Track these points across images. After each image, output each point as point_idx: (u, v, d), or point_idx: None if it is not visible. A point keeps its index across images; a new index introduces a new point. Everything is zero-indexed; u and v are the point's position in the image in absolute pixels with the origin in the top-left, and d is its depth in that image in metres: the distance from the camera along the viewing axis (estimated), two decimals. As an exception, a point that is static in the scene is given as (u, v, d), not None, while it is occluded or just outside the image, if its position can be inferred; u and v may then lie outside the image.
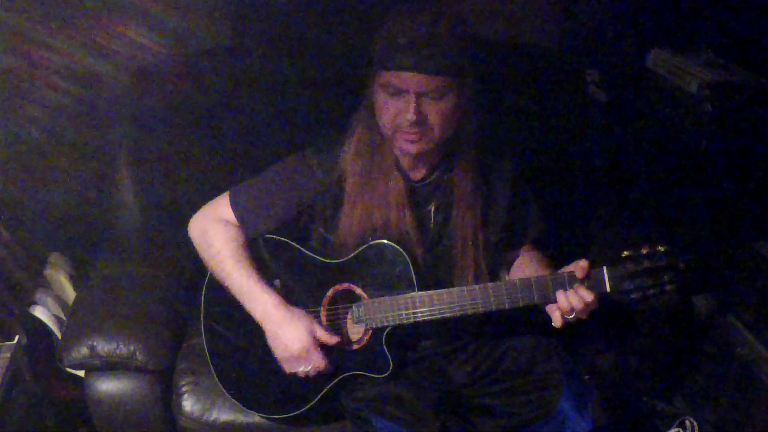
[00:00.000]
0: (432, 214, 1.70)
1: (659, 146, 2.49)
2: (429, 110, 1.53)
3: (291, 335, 1.63)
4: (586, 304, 1.54)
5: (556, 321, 1.57)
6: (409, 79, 1.50)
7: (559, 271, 1.59)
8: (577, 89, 2.39)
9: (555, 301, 1.57)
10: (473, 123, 1.63)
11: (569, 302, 1.54)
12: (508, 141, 1.81)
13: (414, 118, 1.51)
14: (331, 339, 1.65)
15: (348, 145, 1.66)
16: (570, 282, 1.56)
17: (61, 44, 2.19)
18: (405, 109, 1.52)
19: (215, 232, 1.70)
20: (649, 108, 2.55)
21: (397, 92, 1.52)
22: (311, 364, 1.65)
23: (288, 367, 1.67)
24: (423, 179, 1.69)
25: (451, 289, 1.60)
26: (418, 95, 1.51)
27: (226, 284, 1.69)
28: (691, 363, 2.23)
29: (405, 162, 1.67)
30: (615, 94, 2.59)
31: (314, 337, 1.63)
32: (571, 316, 1.56)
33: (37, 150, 2.28)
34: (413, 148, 1.58)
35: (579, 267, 1.55)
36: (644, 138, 2.54)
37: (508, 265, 1.84)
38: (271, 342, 1.66)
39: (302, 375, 1.66)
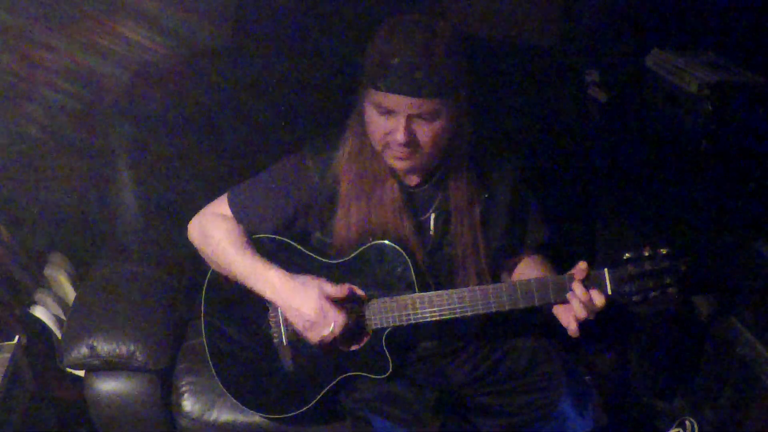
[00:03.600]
0: (431, 221, 1.69)
1: (659, 146, 2.48)
2: (419, 131, 1.52)
3: (303, 302, 1.60)
4: (597, 307, 1.54)
5: (573, 331, 1.55)
6: (401, 101, 1.48)
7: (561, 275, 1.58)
8: (577, 89, 2.39)
9: (556, 303, 1.57)
10: (469, 128, 1.62)
11: (583, 305, 1.53)
12: (507, 142, 1.81)
13: (404, 139, 1.50)
14: (342, 290, 1.61)
15: (342, 150, 1.66)
16: (570, 284, 1.55)
17: (61, 44, 2.19)
18: (395, 129, 1.51)
19: (214, 225, 1.70)
20: (649, 108, 2.55)
21: (387, 112, 1.51)
22: (332, 323, 1.60)
23: (314, 337, 1.62)
24: (420, 185, 1.68)
25: (451, 291, 1.60)
26: (409, 117, 1.50)
27: (230, 273, 1.69)
28: (691, 363, 2.23)
29: (398, 170, 1.67)
30: (615, 94, 2.59)
31: (326, 296, 1.61)
32: (584, 317, 1.55)
33: (37, 150, 2.28)
34: (402, 165, 1.58)
35: (579, 269, 1.55)
36: (644, 138, 2.54)
37: (510, 270, 1.83)
38: (289, 316, 1.63)
39: (329, 340, 1.61)
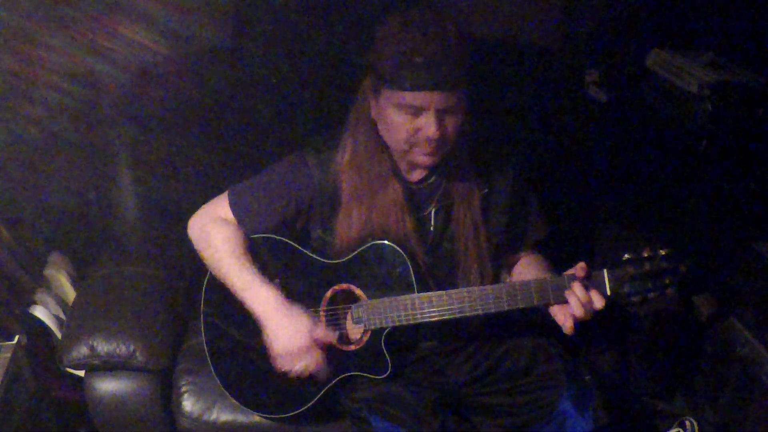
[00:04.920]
0: (432, 216, 1.70)
1: (659, 146, 2.48)
2: (447, 124, 1.53)
3: (290, 332, 1.61)
4: (595, 308, 1.54)
5: (568, 329, 1.56)
6: (430, 98, 1.49)
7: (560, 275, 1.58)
8: (577, 89, 2.39)
9: (554, 303, 1.57)
10: (469, 124, 1.63)
11: (582, 305, 1.53)
12: (508, 141, 1.81)
13: (437, 135, 1.52)
14: (330, 337, 1.64)
15: (342, 149, 1.66)
16: (570, 284, 1.55)
17: (61, 44, 2.19)
18: (425, 126, 1.52)
19: (214, 231, 1.70)
20: (649, 108, 2.55)
21: (416, 111, 1.51)
22: (307, 363, 1.63)
23: (283, 365, 1.64)
24: (421, 182, 1.69)
25: (450, 291, 1.60)
26: (438, 111, 1.51)
27: (225, 282, 1.69)
28: (691, 363, 2.23)
29: (402, 166, 1.67)
30: (615, 94, 2.58)
31: (313, 336, 1.63)
32: (581, 316, 1.55)
33: (37, 150, 2.28)
34: (430, 161, 1.59)
35: (579, 269, 1.55)
36: (644, 138, 2.54)
37: (509, 268, 1.83)
38: (270, 338, 1.65)
39: (296, 374, 1.65)
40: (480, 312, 1.59)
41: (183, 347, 1.97)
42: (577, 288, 1.54)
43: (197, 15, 2.26)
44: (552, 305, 1.58)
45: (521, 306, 1.58)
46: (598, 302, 1.53)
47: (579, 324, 1.57)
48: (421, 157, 1.59)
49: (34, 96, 2.23)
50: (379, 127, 1.61)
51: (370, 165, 1.65)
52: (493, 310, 1.59)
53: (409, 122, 1.53)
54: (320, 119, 2.04)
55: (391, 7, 1.57)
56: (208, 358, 1.80)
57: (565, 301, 1.56)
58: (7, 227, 2.18)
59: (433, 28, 1.48)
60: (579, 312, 1.53)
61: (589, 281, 1.55)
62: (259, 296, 1.64)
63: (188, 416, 1.86)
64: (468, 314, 1.60)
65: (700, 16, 2.51)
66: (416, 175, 1.69)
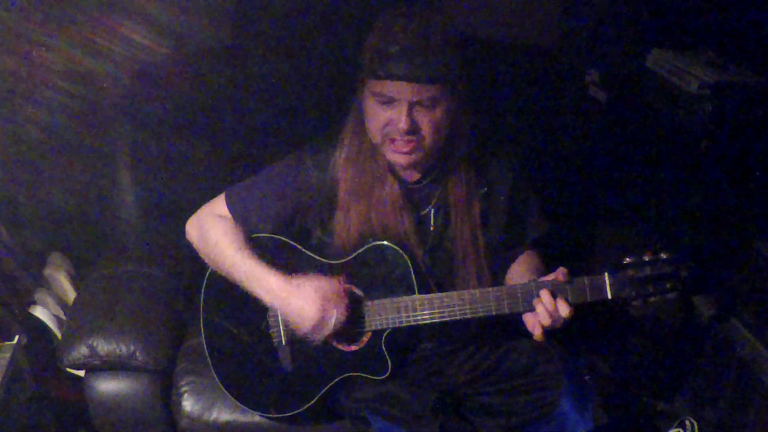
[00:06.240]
0: (431, 216, 1.69)
1: (659, 146, 2.48)
2: (421, 119, 1.52)
3: (303, 302, 1.58)
4: (562, 317, 1.53)
5: (538, 336, 1.56)
6: (402, 88, 1.48)
7: (551, 279, 1.58)
8: (577, 89, 2.39)
9: (525, 311, 1.57)
10: (468, 124, 1.62)
11: (549, 314, 1.53)
12: (508, 141, 1.81)
13: (406, 127, 1.50)
14: (339, 283, 1.61)
15: (340, 149, 1.66)
16: (538, 293, 1.54)
17: (61, 44, 2.19)
18: (396, 118, 1.51)
19: (212, 226, 1.70)
20: (649, 108, 2.55)
21: (389, 101, 1.51)
22: (334, 318, 1.58)
23: (318, 335, 1.60)
24: (419, 181, 1.68)
25: (451, 293, 1.60)
26: (411, 104, 1.50)
27: (228, 275, 1.68)
28: (691, 363, 2.23)
29: (399, 166, 1.67)
30: (615, 94, 2.58)
31: (323, 291, 1.59)
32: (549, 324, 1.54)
33: (37, 150, 2.29)
34: (402, 159, 1.57)
35: (559, 272, 1.55)
36: (644, 138, 2.54)
37: (506, 266, 1.83)
38: (290, 320, 1.62)
39: (334, 333, 1.61)
40: (481, 314, 1.58)
41: (183, 347, 1.97)
42: (545, 296, 1.53)
43: (197, 15, 2.27)
44: (523, 312, 1.58)
45: (522, 309, 1.57)
46: (564, 311, 1.53)
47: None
48: (395, 155, 1.57)
49: (34, 96, 2.23)
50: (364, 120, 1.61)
51: (367, 163, 1.64)
52: (494, 312, 1.58)
53: (383, 113, 1.52)
54: (320, 119, 2.03)
55: (391, 7, 1.56)
56: (208, 358, 1.80)
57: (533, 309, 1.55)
58: (7, 227, 2.19)
59: (416, 22, 1.48)
60: (546, 320, 1.53)
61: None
62: (265, 283, 1.62)
63: (188, 416, 1.86)
64: (469, 316, 1.59)
65: (700, 16, 2.51)
66: (413, 176, 1.68)
